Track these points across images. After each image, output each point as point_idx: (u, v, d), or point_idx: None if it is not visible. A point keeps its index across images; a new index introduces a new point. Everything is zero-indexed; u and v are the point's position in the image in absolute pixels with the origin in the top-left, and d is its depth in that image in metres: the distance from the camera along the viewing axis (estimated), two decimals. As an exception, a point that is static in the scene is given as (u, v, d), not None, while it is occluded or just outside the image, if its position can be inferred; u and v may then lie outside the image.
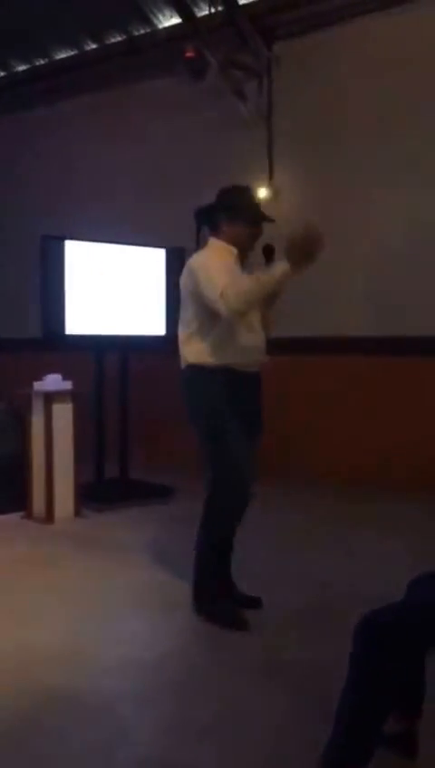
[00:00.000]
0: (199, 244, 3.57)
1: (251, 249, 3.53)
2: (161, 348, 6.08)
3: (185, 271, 3.51)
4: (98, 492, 5.74)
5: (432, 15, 5.74)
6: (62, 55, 7.75)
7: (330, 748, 2.06)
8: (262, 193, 6.50)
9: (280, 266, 3.16)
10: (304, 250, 3.09)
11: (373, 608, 2.09)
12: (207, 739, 2.52)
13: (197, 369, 3.48)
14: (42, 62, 7.89)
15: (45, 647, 3.26)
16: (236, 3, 6.26)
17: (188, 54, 6.27)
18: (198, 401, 3.49)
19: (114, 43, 7.35)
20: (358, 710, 2.05)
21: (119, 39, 7.31)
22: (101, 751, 2.46)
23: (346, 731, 2.05)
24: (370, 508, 5.54)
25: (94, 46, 7.50)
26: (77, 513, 5.40)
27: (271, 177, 6.54)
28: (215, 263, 3.39)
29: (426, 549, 4.11)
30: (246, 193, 3.62)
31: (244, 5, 6.30)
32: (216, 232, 3.53)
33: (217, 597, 3.51)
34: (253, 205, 3.57)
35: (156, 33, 7.00)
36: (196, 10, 6.45)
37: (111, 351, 5.88)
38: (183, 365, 3.55)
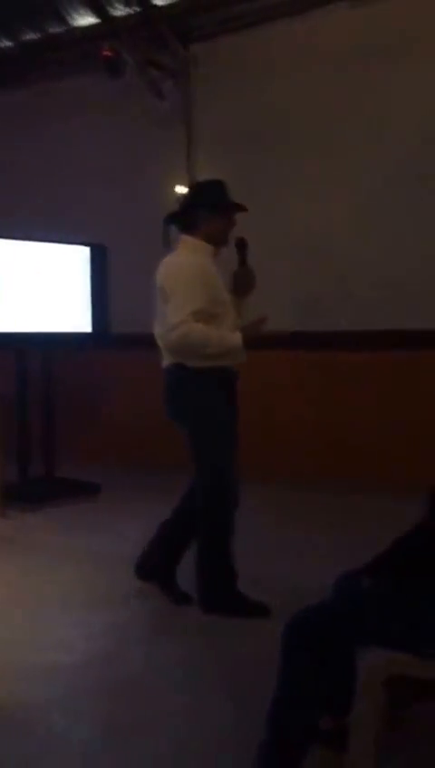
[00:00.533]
0: (170, 244, 3.58)
1: (225, 243, 3.56)
2: (87, 345, 6.11)
3: (163, 270, 3.47)
4: (23, 491, 5.69)
5: (345, 18, 5.91)
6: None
7: (262, 749, 2.09)
8: (182, 191, 6.58)
9: (236, 338, 3.40)
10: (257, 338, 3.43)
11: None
12: (136, 742, 2.50)
13: (189, 370, 3.44)
14: None
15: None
16: (152, 3, 6.31)
17: (105, 53, 6.28)
18: (193, 402, 3.47)
19: (30, 41, 7.28)
20: (287, 712, 2.08)
21: (34, 37, 7.25)
22: (28, 763, 2.41)
23: (277, 732, 2.08)
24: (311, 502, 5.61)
25: (10, 44, 7.41)
26: (1, 513, 5.34)
27: (190, 175, 6.60)
28: (192, 275, 3.39)
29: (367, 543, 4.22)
30: (219, 186, 3.59)
31: (160, 6, 6.35)
32: (191, 230, 3.53)
33: (231, 591, 3.53)
34: (227, 196, 3.56)
35: (72, 31, 6.96)
36: (112, 10, 6.46)
37: (35, 350, 5.84)
38: (166, 363, 3.52)
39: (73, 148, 7.14)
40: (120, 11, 6.45)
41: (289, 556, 4.37)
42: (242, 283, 3.62)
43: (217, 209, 3.51)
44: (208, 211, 3.50)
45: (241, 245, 3.59)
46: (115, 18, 6.45)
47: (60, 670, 3.03)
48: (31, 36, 7.25)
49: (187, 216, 3.56)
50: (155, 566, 3.73)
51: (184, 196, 3.60)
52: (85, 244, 5.98)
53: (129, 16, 6.37)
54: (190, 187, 3.65)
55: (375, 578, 2.13)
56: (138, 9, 6.33)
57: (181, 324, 3.29)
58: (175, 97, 6.57)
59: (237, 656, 3.12)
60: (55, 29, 7.05)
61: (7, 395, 5.51)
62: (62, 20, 6.95)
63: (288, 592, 3.58)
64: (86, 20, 6.82)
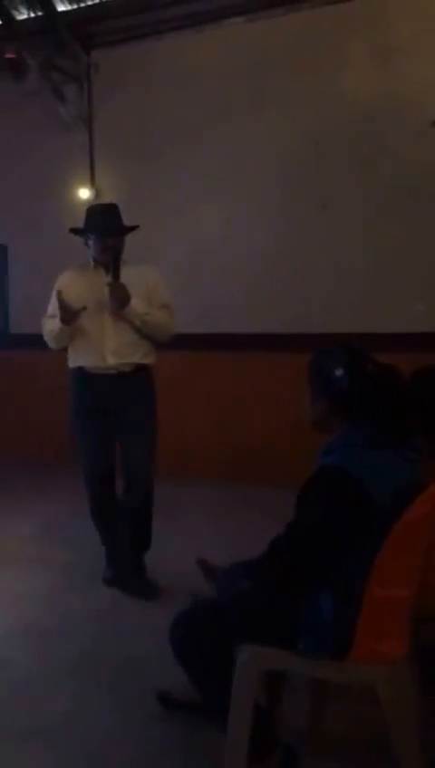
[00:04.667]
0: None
1: (102, 260, 3.84)
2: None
3: None
4: None
5: (240, 32, 6.14)
6: None
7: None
8: (84, 194, 6.70)
9: (56, 321, 3.80)
10: (67, 315, 3.74)
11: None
12: (36, 742, 2.59)
13: (71, 370, 3.94)
14: None
15: None
16: (55, 9, 6.36)
17: (8, 56, 6.31)
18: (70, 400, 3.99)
19: None
20: (214, 698, 2.27)
21: None
22: None
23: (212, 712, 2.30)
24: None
25: None
26: None
27: (93, 178, 6.72)
28: (56, 284, 3.87)
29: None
30: (94, 208, 3.99)
31: (63, 12, 6.41)
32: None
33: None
34: (96, 218, 3.87)
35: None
36: (15, 13, 6.48)
37: None
38: None
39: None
40: (23, 14, 6.47)
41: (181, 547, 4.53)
42: (111, 295, 3.78)
43: (86, 230, 3.88)
44: (86, 232, 3.89)
45: (113, 261, 3.79)
46: (17, 21, 6.46)
47: None
48: None
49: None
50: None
51: None
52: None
53: (31, 20, 6.40)
54: None
55: (252, 579, 2.28)
56: (40, 13, 6.37)
57: (43, 324, 3.94)
58: (77, 101, 6.66)
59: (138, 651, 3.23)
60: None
61: None
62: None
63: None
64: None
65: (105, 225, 3.84)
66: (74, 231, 3.93)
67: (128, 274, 3.80)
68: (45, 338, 3.92)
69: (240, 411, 6.27)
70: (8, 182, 6.96)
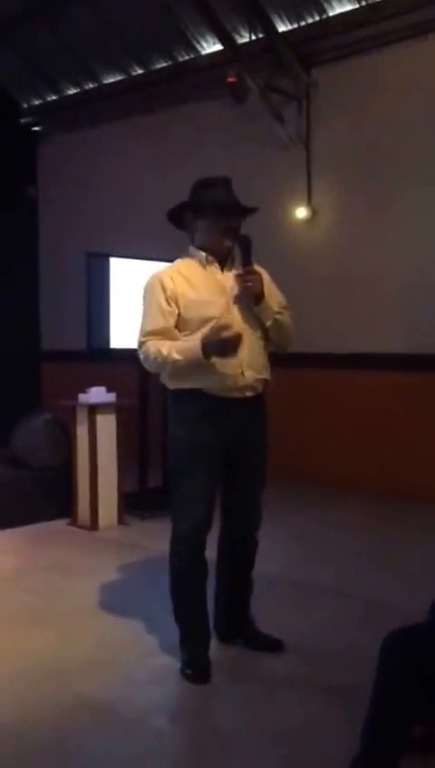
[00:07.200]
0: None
1: (218, 249, 3.09)
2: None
3: None
4: (141, 500, 5.88)
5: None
6: (110, 80, 8.03)
7: (355, 763, 2.17)
8: (301, 213, 6.71)
9: (196, 351, 2.89)
10: (222, 350, 2.88)
11: (405, 621, 2.18)
12: (236, 752, 2.53)
13: (171, 392, 3.10)
14: (91, 86, 8.21)
15: (80, 655, 3.28)
16: (276, 30, 6.47)
17: (230, 80, 6.48)
18: (170, 429, 3.13)
19: (160, 69, 7.60)
20: (381, 725, 2.13)
21: (164, 65, 7.55)
22: (132, 765, 2.45)
23: (371, 745, 2.14)
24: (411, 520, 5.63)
25: (141, 71, 7.75)
26: (120, 520, 5.58)
27: (309, 197, 6.70)
28: (150, 291, 3.08)
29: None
30: (208, 180, 3.16)
31: (283, 33, 6.50)
32: (190, 235, 3.16)
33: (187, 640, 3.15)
34: (214, 192, 3.09)
35: (199, 59, 7.23)
36: (237, 37, 6.66)
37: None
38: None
39: (197, 169, 7.25)
40: (244, 38, 6.65)
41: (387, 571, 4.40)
42: (244, 286, 3.02)
43: (199, 212, 3.08)
44: (193, 215, 3.11)
45: (245, 244, 3.05)
46: (239, 45, 6.63)
47: (173, 677, 3.06)
48: (161, 64, 7.57)
49: (183, 223, 3.17)
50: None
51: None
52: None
53: (252, 43, 6.55)
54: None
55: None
56: (261, 36, 6.51)
57: (140, 346, 3.03)
58: (295, 121, 6.68)
59: (342, 667, 3.11)
60: (184, 57, 7.36)
61: (128, 408, 5.70)
62: (192, 48, 7.24)
63: (383, 607, 3.66)
64: (213, 47, 7.08)
65: (228, 201, 3.06)
66: (174, 212, 3.14)
67: (238, 268, 3.07)
68: (148, 362, 3.01)
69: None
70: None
